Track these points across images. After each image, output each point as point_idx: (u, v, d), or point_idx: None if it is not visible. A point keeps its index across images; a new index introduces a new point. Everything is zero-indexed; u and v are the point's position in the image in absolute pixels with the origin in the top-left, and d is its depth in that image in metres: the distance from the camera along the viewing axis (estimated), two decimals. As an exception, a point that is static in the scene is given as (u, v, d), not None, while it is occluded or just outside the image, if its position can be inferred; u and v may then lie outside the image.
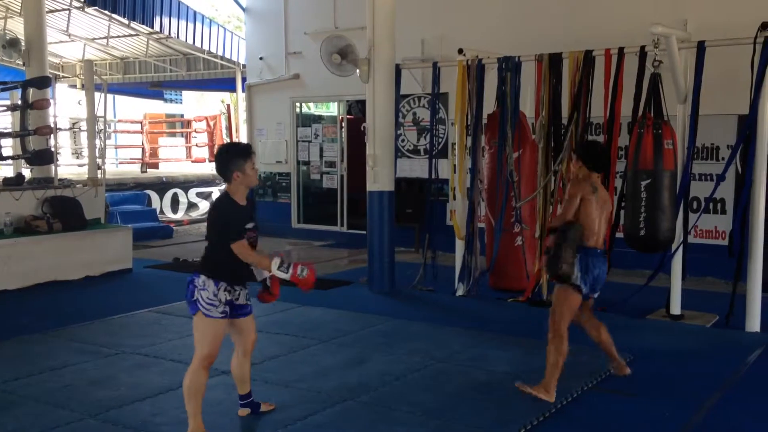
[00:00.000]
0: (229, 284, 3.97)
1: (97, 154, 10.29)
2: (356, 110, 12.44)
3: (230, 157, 3.96)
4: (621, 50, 6.66)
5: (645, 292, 6.97)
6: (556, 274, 4.60)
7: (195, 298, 3.93)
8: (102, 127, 10.83)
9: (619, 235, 6.77)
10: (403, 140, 10.61)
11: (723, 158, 8.10)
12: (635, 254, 6.61)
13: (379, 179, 7.82)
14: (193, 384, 3.96)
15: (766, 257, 6.22)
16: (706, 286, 8.09)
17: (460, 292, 7.71)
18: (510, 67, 7.26)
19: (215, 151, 4.15)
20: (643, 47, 6.49)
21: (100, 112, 10.47)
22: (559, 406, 4.50)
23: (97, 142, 10.44)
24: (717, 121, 7.89)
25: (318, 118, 12.79)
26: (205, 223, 4.21)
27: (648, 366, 5.32)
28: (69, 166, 15.82)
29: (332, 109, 12.60)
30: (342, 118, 12.12)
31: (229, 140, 17.72)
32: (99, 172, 10.10)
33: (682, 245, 6.65)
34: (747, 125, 6.16)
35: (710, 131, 7.85)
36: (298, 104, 12.54)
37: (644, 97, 6.42)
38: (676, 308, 6.78)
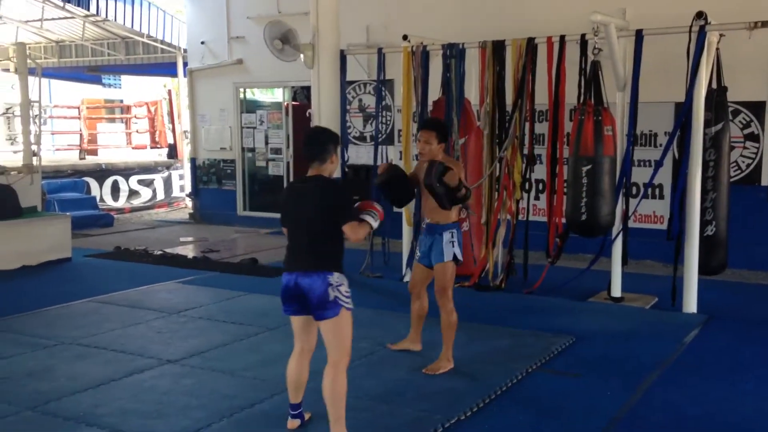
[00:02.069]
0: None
1: (33, 140, 9.96)
2: (302, 96, 12.32)
3: (330, 141, 3.85)
4: (562, 38, 6.76)
5: (587, 275, 7.14)
6: (463, 199, 4.84)
7: (333, 297, 3.73)
8: (37, 113, 10.45)
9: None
10: (349, 127, 10.57)
11: (661, 144, 8.31)
12: (578, 239, 6.76)
13: (325, 166, 7.75)
14: (342, 386, 3.79)
15: (702, 240, 6.43)
16: (646, 269, 8.32)
17: (407, 278, 7.73)
18: (454, 54, 7.29)
19: (312, 131, 4.00)
20: (583, 35, 6.60)
21: (34, 96, 10.12)
22: (505, 387, 4.57)
23: (33, 127, 10.08)
24: (655, 108, 8.09)
25: (263, 105, 12.62)
26: (288, 214, 3.87)
27: (590, 347, 5.46)
28: (3, 153, 15.24)
29: (277, 95, 12.45)
30: (287, 104, 11.99)
31: (171, 126, 17.32)
32: (35, 158, 9.77)
33: (622, 230, 6.82)
34: (683, 112, 6.34)
35: (648, 118, 8.04)
36: (242, 90, 12.35)
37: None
38: (616, 291, 6.96)
